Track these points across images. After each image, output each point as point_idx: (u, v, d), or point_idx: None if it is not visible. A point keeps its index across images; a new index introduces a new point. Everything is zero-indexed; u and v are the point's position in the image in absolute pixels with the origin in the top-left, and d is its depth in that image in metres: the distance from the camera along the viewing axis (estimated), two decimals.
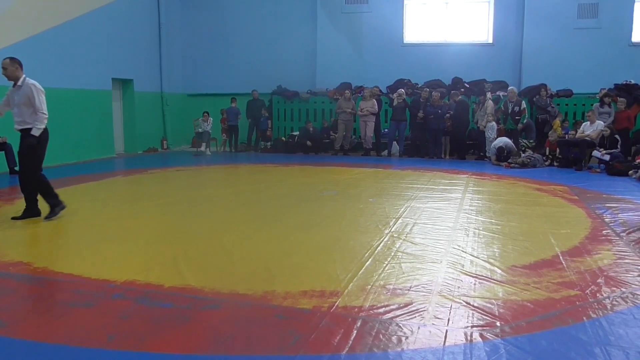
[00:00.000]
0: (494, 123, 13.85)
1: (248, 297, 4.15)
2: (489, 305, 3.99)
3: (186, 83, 18.32)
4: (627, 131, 12.83)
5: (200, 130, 16.11)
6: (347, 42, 17.16)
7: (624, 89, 14.59)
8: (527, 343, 3.38)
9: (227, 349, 3.35)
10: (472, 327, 3.62)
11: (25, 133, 6.83)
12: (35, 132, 6.79)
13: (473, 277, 4.64)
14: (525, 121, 13.84)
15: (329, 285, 4.39)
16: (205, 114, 16.03)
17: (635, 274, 4.75)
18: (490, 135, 13.72)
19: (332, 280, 4.52)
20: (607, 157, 11.63)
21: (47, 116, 6.86)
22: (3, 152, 10.96)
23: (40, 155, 7.02)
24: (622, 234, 6.17)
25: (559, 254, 5.34)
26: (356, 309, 3.91)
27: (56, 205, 6.98)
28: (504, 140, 13.26)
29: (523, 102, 14.06)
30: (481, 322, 3.68)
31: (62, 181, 10.17)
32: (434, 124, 14.53)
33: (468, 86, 15.71)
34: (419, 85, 15.77)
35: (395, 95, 14.89)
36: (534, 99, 14.76)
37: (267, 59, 17.43)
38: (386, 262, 5.03)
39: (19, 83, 6.72)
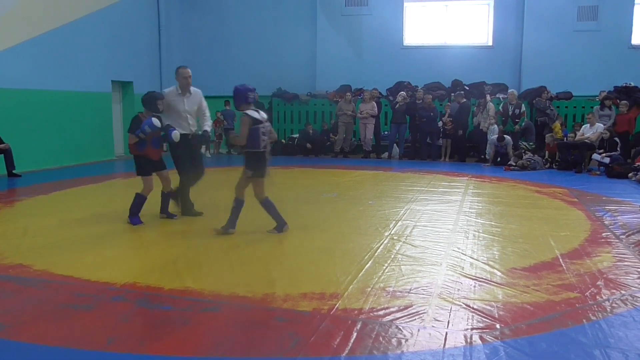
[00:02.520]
0: (495, 126, 13.86)
1: (248, 300, 4.15)
2: (489, 307, 3.99)
3: None
4: (628, 134, 12.82)
5: (200, 132, 16.08)
6: (347, 44, 17.16)
7: (623, 92, 14.60)
8: (527, 345, 3.38)
9: (226, 351, 3.35)
10: (472, 329, 3.62)
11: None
12: (208, 127, 7.48)
13: (473, 279, 4.64)
14: (523, 123, 13.86)
15: (328, 288, 4.39)
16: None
17: (635, 276, 4.75)
18: (492, 138, 13.71)
19: (332, 283, 4.52)
20: (606, 160, 11.62)
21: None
22: (2, 155, 10.92)
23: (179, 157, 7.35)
24: (621, 237, 6.17)
25: (559, 257, 5.34)
26: (356, 312, 3.91)
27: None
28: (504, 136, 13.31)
29: (523, 105, 14.08)
30: (481, 325, 3.69)
31: (62, 183, 10.19)
32: (426, 127, 14.57)
33: (468, 89, 15.71)
34: (419, 88, 15.77)
35: (399, 97, 14.88)
36: (534, 102, 14.76)
37: (267, 61, 17.41)
38: (386, 265, 5.03)
39: (191, 92, 7.25)
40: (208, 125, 7.43)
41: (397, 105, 14.75)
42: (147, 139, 6.63)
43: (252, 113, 6.07)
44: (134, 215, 6.81)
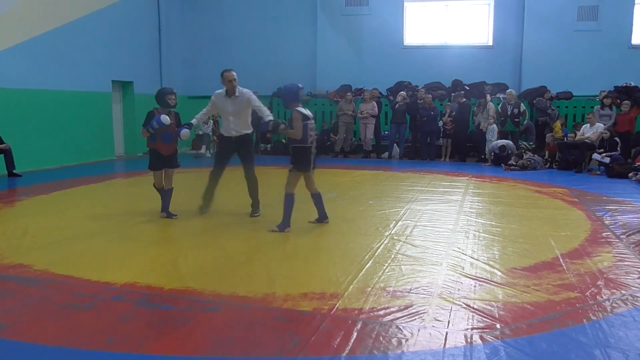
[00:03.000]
0: (494, 126, 13.86)
1: (248, 300, 4.15)
2: (489, 307, 3.99)
3: (186, 85, 18.28)
4: (629, 134, 12.80)
5: (200, 132, 16.11)
6: (347, 44, 17.15)
7: (624, 92, 14.60)
8: (527, 345, 3.38)
9: (226, 351, 3.35)
10: (472, 329, 3.62)
11: (247, 137, 7.47)
12: (267, 118, 7.29)
13: (473, 279, 4.64)
14: (525, 122, 13.87)
15: (329, 288, 4.39)
16: None
17: (635, 276, 4.75)
18: (491, 138, 13.72)
19: (332, 283, 4.52)
20: (607, 160, 11.62)
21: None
22: (2, 155, 10.92)
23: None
24: (622, 236, 6.17)
25: (559, 256, 5.34)
26: (356, 311, 3.91)
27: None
28: (505, 140, 13.31)
29: (522, 104, 14.08)
30: (481, 325, 3.69)
31: (62, 183, 10.19)
32: (426, 127, 14.58)
33: (468, 88, 15.71)
34: (419, 88, 15.77)
35: (398, 97, 14.90)
36: (534, 102, 14.76)
37: (267, 61, 17.40)
38: (386, 265, 5.03)
39: (237, 94, 7.36)
40: (269, 116, 7.24)
41: (397, 105, 14.75)
42: (157, 134, 6.85)
43: (302, 110, 6.38)
44: (165, 209, 7.13)
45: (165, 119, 6.67)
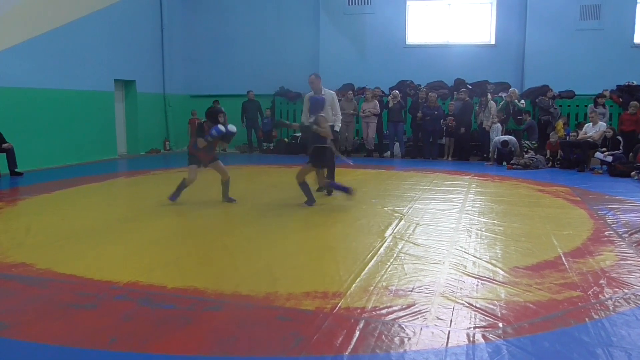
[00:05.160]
0: (498, 124, 13.86)
1: (250, 299, 4.15)
2: (492, 306, 3.99)
3: (188, 84, 18.32)
4: (634, 134, 12.75)
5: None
6: (349, 43, 17.14)
7: (626, 91, 14.57)
8: (530, 344, 3.38)
9: (229, 350, 3.35)
10: (474, 328, 3.61)
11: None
12: (337, 128, 9.03)
13: (475, 278, 4.64)
14: (529, 119, 13.88)
15: (331, 287, 4.39)
16: None
17: (638, 275, 4.74)
18: (495, 137, 13.71)
19: (335, 282, 4.52)
20: (609, 159, 11.60)
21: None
22: (4, 154, 10.93)
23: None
24: (624, 235, 6.16)
25: (562, 255, 5.33)
26: (359, 310, 3.91)
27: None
28: (508, 136, 13.30)
29: (523, 101, 14.11)
30: (484, 323, 3.68)
31: (64, 182, 10.21)
32: (430, 125, 14.58)
33: (470, 87, 15.70)
34: (422, 87, 15.76)
35: (390, 97, 14.97)
36: (537, 100, 14.75)
37: (269, 60, 17.41)
38: (389, 264, 5.03)
39: (323, 93, 8.81)
40: (337, 125, 8.93)
41: (391, 105, 14.79)
42: (213, 143, 7.77)
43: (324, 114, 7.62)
44: (174, 195, 7.93)
45: (222, 128, 7.55)
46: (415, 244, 5.76)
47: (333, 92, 9.18)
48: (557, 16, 15.66)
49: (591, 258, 5.26)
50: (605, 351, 3.29)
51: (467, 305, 4.01)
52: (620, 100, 14.56)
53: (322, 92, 8.85)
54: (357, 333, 3.52)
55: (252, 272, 4.88)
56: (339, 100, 15.80)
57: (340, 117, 9.20)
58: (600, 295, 4.23)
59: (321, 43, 17.26)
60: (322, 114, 7.67)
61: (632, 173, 10.79)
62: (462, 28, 16.89)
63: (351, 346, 3.34)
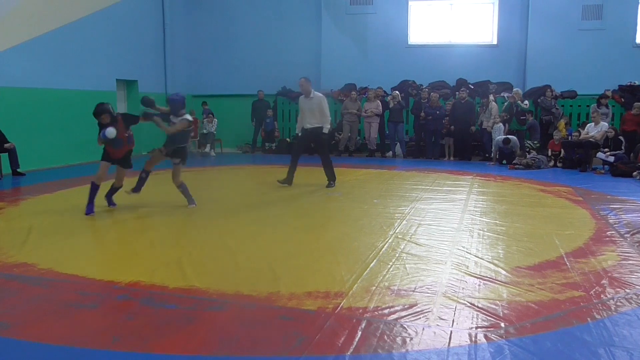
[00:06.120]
0: (501, 124, 13.85)
1: (252, 298, 4.15)
2: (494, 306, 3.98)
3: (191, 84, 18.31)
4: (636, 134, 12.72)
5: (204, 131, 16.13)
6: (351, 43, 17.14)
7: (628, 91, 14.55)
8: (532, 344, 3.38)
9: (231, 350, 3.35)
10: (476, 328, 3.61)
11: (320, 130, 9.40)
12: (325, 130, 9.41)
13: (477, 278, 4.64)
14: (531, 118, 13.86)
15: (333, 287, 4.39)
16: (210, 115, 16.07)
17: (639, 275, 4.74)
18: (497, 139, 13.69)
19: (337, 282, 4.52)
20: (611, 159, 11.59)
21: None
22: (6, 154, 10.93)
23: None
24: (626, 235, 6.15)
25: (563, 255, 5.33)
26: (361, 310, 3.91)
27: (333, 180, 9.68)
28: (510, 136, 13.30)
29: (526, 101, 14.09)
30: (486, 323, 3.68)
31: (66, 182, 10.21)
32: (431, 125, 14.58)
33: (472, 87, 15.69)
34: (424, 87, 15.76)
35: (390, 97, 14.98)
36: (539, 100, 14.73)
37: (271, 60, 17.40)
38: (391, 263, 5.03)
39: (311, 95, 9.29)
40: (325, 127, 9.35)
41: (391, 105, 14.79)
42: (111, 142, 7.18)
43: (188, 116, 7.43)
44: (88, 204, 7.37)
45: (111, 132, 6.91)
46: (417, 244, 5.75)
47: (322, 95, 9.49)
48: (559, 16, 15.64)
49: (593, 258, 5.25)
50: (607, 351, 3.28)
51: (469, 305, 4.01)
52: (622, 100, 14.53)
53: (311, 95, 9.27)
54: (359, 333, 3.52)
55: (254, 272, 4.88)
56: (341, 101, 15.90)
57: (329, 119, 9.52)
58: (602, 295, 4.22)
59: (323, 43, 17.26)
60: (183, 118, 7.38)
61: (634, 173, 10.78)
62: (464, 28, 16.88)
63: (353, 346, 3.34)
